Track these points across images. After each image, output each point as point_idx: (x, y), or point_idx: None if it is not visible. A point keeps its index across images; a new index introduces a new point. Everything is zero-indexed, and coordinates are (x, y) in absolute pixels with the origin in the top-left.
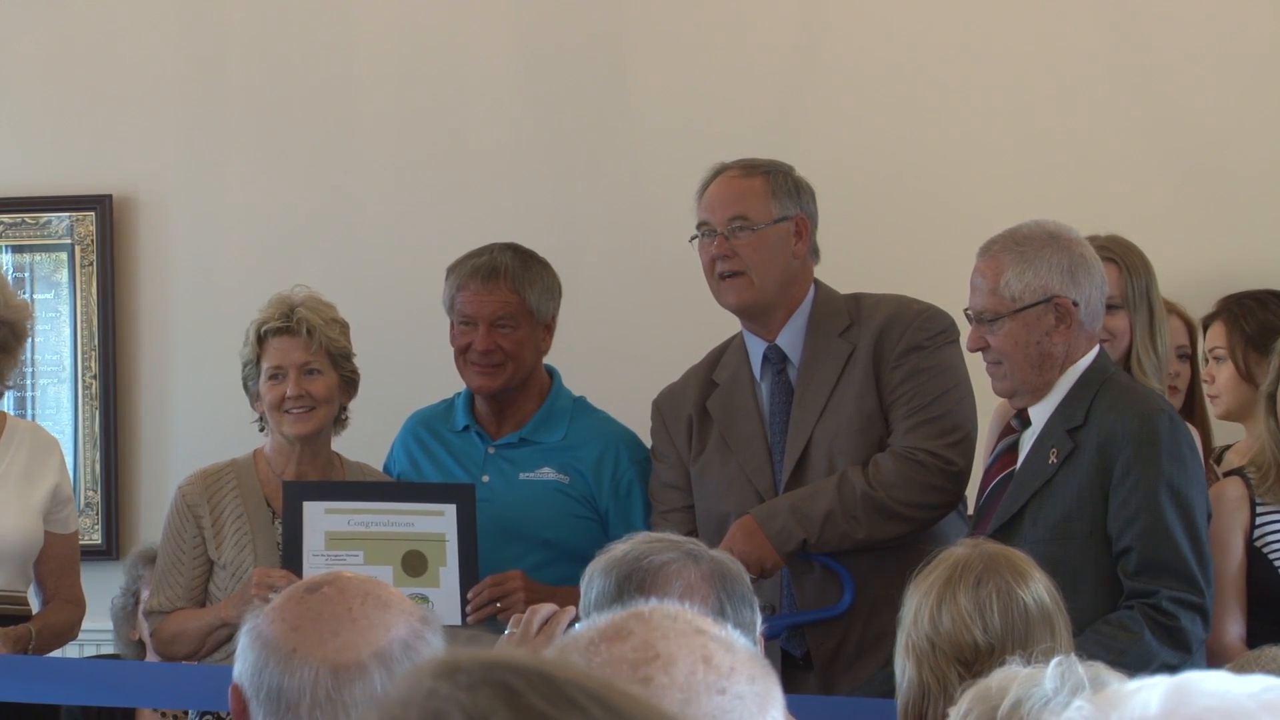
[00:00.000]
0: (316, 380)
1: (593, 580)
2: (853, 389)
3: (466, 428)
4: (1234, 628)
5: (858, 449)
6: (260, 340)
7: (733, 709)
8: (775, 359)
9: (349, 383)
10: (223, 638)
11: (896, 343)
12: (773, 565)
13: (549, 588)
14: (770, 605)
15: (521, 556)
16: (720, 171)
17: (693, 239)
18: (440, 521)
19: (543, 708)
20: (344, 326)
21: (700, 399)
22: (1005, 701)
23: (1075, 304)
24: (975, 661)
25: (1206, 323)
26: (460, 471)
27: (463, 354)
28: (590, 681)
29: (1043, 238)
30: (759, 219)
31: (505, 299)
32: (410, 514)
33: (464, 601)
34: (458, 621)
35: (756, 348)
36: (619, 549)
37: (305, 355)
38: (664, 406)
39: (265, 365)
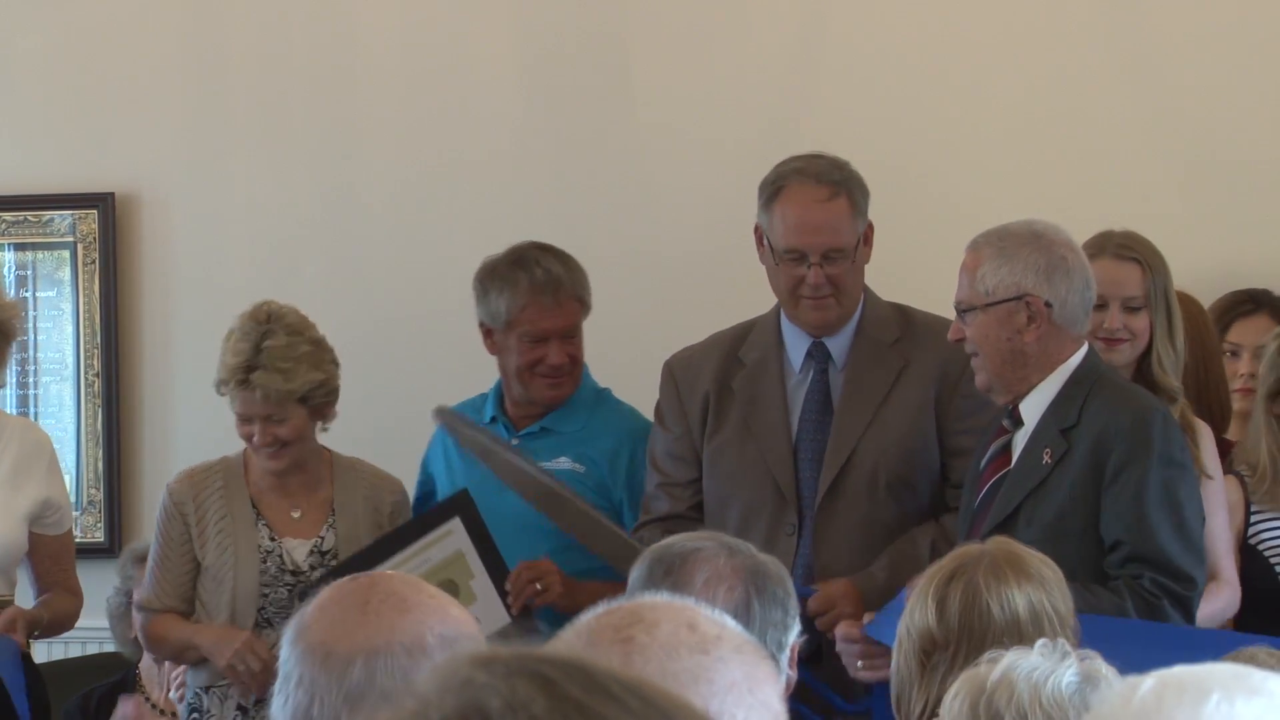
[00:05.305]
0: (282, 426)
1: (635, 569)
2: (908, 408)
3: (494, 419)
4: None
5: (904, 471)
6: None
7: (714, 669)
8: (819, 356)
9: (323, 406)
10: (197, 657)
11: (965, 369)
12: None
13: (581, 583)
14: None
15: (535, 544)
16: (797, 184)
17: (772, 260)
18: (451, 540)
19: (580, 696)
20: (314, 355)
21: (722, 376)
22: (994, 674)
23: (1049, 304)
24: (933, 652)
25: None
26: (482, 462)
27: (530, 369)
28: (624, 674)
29: (1026, 236)
30: (850, 245)
31: (572, 310)
32: (422, 550)
33: (504, 595)
34: (506, 619)
35: (797, 340)
36: (666, 539)
37: (266, 409)
38: (678, 372)
39: (233, 406)
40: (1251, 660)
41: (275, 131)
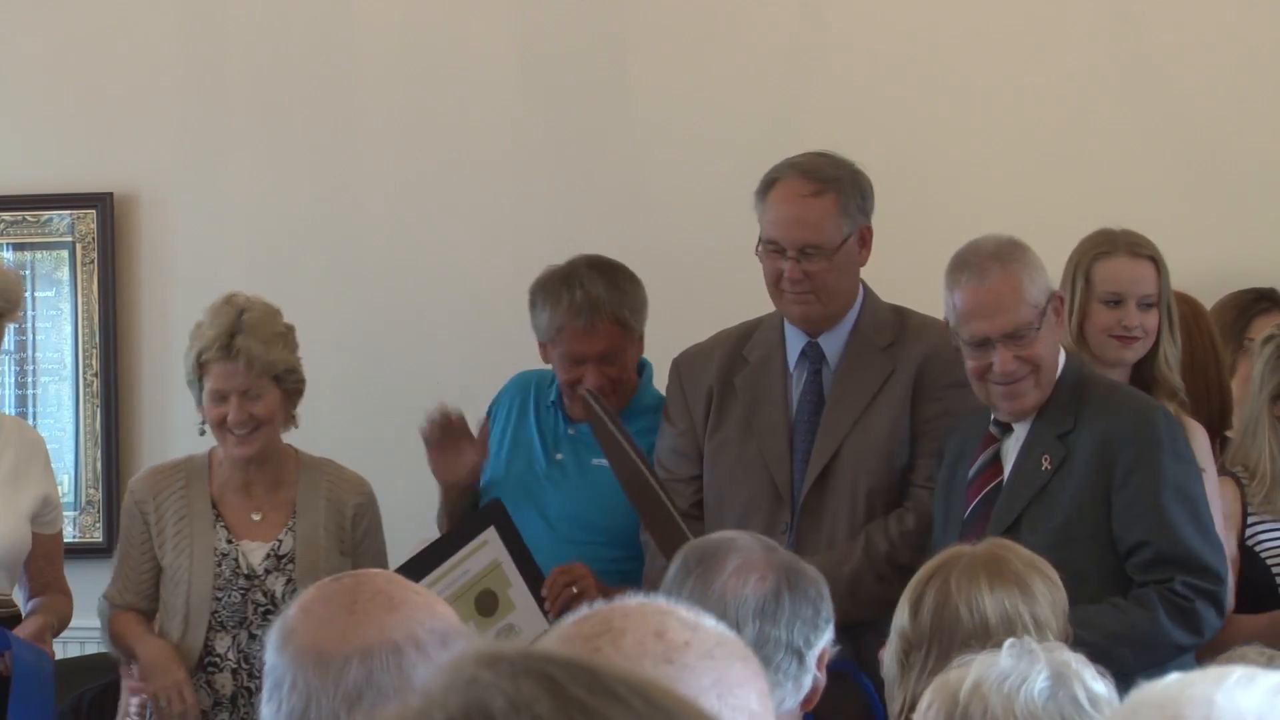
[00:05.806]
0: (258, 403)
1: (672, 563)
2: (889, 410)
3: (554, 403)
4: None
5: (881, 472)
6: (200, 364)
7: (679, 679)
8: (813, 356)
9: (294, 393)
10: None
11: (940, 375)
12: None
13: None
14: None
15: (572, 536)
16: (787, 179)
17: (758, 250)
18: (487, 551)
19: (584, 697)
20: (288, 339)
21: (726, 373)
22: (965, 684)
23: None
24: (910, 652)
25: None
26: (539, 442)
27: (570, 387)
28: (630, 675)
29: (1014, 245)
30: (831, 243)
31: (609, 332)
32: (459, 564)
33: (541, 601)
34: (545, 624)
35: (796, 339)
36: (705, 535)
37: (246, 381)
38: (684, 369)
39: (207, 385)
40: (1242, 659)
41: (275, 131)
